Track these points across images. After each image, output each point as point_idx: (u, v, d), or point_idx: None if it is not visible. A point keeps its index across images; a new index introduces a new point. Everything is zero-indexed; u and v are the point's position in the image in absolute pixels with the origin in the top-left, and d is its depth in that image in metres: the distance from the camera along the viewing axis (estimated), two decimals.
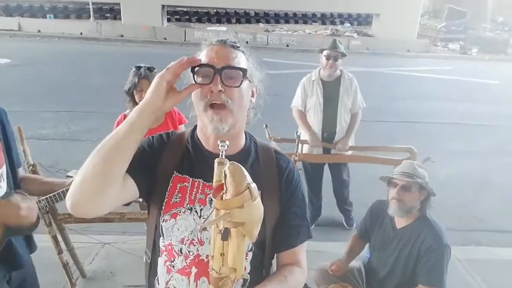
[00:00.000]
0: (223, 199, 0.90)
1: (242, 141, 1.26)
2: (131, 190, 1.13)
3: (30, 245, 1.85)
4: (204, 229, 1.11)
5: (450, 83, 12.64)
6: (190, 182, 1.19)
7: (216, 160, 0.96)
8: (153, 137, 1.25)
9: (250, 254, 1.20)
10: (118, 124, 2.74)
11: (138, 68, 2.67)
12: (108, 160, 1.01)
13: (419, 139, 6.70)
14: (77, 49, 15.12)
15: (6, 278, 1.74)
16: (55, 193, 1.96)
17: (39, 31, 17.86)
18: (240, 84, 1.13)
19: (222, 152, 0.98)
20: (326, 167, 4.00)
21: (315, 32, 23.22)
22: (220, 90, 1.10)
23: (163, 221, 1.17)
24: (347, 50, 3.89)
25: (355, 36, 21.58)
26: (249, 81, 1.19)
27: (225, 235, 0.91)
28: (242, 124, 1.23)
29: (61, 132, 6.34)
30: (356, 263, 2.54)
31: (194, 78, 1.12)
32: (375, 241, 2.38)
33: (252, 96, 1.23)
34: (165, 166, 1.20)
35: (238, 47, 1.19)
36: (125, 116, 2.72)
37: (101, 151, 1.02)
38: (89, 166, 1.01)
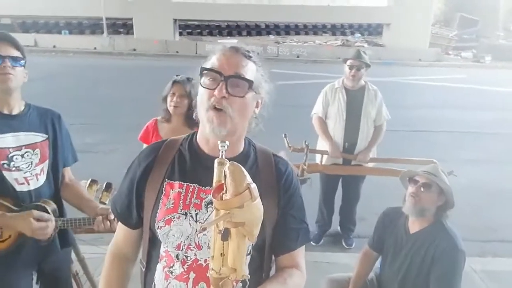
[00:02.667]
0: (223, 199, 0.90)
1: (241, 146, 1.25)
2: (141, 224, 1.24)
3: (65, 239, 1.99)
4: (204, 229, 1.10)
5: (463, 91, 12.52)
6: (184, 187, 1.17)
7: (216, 160, 0.96)
8: (139, 162, 1.26)
9: (249, 257, 1.18)
10: (147, 128, 2.78)
11: (178, 75, 2.70)
12: None
13: (432, 148, 6.62)
14: (91, 63, 15.44)
15: (33, 270, 1.92)
16: (76, 219, 1.92)
17: (54, 46, 18.35)
18: (244, 95, 1.13)
19: (222, 152, 0.97)
20: None
21: (326, 42, 23.31)
22: (224, 97, 1.10)
23: (158, 228, 1.16)
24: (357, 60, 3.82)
25: (366, 46, 21.58)
26: (256, 92, 1.18)
27: (225, 235, 0.91)
28: (242, 133, 1.22)
29: (75, 144, 6.41)
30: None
31: (201, 81, 1.14)
32: (388, 247, 2.31)
33: (257, 107, 1.22)
34: (156, 176, 1.20)
35: (250, 56, 1.18)
36: (156, 122, 2.75)
37: None
38: None
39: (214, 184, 0.94)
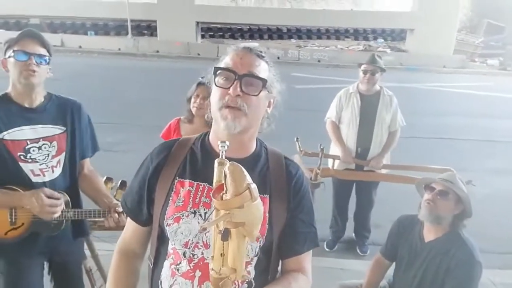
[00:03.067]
0: (223, 199, 0.90)
1: (253, 147, 1.25)
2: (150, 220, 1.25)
3: (79, 229, 2.04)
4: (204, 229, 1.10)
5: (489, 99, 12.20)
6: (195, 186, 1.18)
7: (216, 161, 0.95)
8: (151, 159, 1.27)
9: (256, 259, 1.18)
10: (169, 127, 2.82)
11: (202, 77, 2.73)
12: None
13: (456, 157, 6.46)
14: (115, 64, 15.75)
15: (44, 260, 1.97)
16: (86, 210, 1.95)
17: (80, 47, 18.81)
18: (259, 93, 1.14)
19: (222, 152, 0.97)
20: None
21: (347, 47, 23.13)
22: (238, 95, 1.11)
23: (166, 225, 1.17)
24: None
25: (388, 51, 21.29)
26: (268, 91, 1.19)
27: (225, 235, 0.91)
28: (255, 131, 1.23)
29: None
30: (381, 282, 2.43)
31: (215, 80, 1.15)
32: (402, 256, 2.25)
33: (269, 106, 1.23)
34: (167, 173, 1.21)
35: (263, 56, 1.20)
36: (178, 121, 2.79)
37: None
38: None
39: (214, 184, 0.95)
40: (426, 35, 19.79)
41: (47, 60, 1.79)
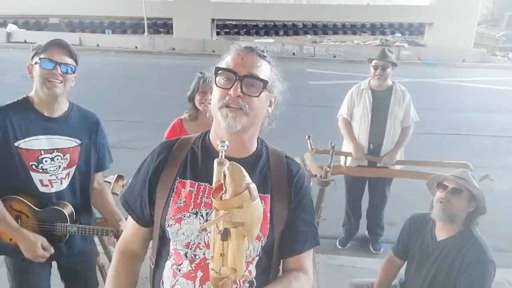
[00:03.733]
0: (223, 199, 0.90)
1: (254, 146, 1.25)
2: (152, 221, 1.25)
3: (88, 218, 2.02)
4: (204, 229, 1.11)
5: (509, 94, 11.85)
6: (196, 186, 1.18)
7: (215, 160, 0.95)
8: (152, 159, 1.26)
9: (257, 258, 1.18)
10: (174, 128, 2.83)
11: (202, 73, 2.71)
12: None
13: (475, 153, 6.34)
14: (131, 62, 15.93)
15: (51, 259, 1.95)
16: (89, 228, 1.94)
17: (97, 45, 19.06)
18: (259, 94, 1.14)
19: (222, 152, 0.97)
20: None
21: (364, 42, 22.81)
22: (239, 96, 1.11)
23: (168, 226, 1.17)
24: (397, 60, 3.65)
25: (406, 46, 20.91)
26: (269, 91, 1.19)
27: (225, 235, 0.91)
28: (256, 131, 1.23)
29: (111, 140, 6.61)
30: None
31: (216, 80, 1.15)
32: (413, 255, 2.21)
33: (270, 106, 1.23)
34: (168, 174, 1.21)
35: (265, 56, 1.20)
36: (181, 121, 2.76)
37: None
38: None
39: (213, 184, 0.95)
40: (446, 29, 19.35)
41: (73, 69, 1.78)
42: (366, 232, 3.92)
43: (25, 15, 23.01)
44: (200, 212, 1.16)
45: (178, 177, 1.20)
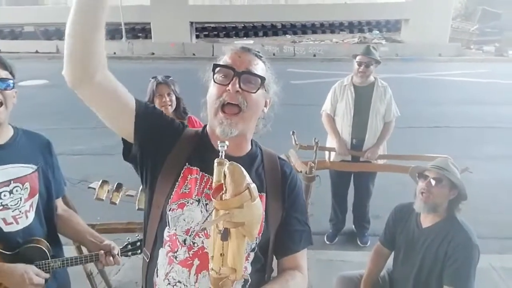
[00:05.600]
0: (223, 199, 0.90)
1: (249, 146, 1.27)
2: (127, 111, 1.15)
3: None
4: (204, 229, 1.11)
5: (485, 86, 12.17)
6: (200, 175, 1.18)
7: (215, 161, 0.95)
8: (173, 119, 1.27)
9: (252, 254, 1.19)
10: None
11: (155, 77, 2.81)
12: (81, 17, 0.98)
13: (454, 144, 6.48)
14: (110, 67, 15.58)
15: None
16: (77, 257, 1.77)
17: None
18: (257, 90, 1.16)
19: (222, 152, 0.97)
20: None
21: (343, 40, 23.08)
22: (237, 91, 1.12)
23: (169, 210, 1.15)
24: None
25: (384, 42, 21.25)
26: (265, 90, 1.21)
27: (225, 235, 0.91)
28: (251, 132, 1.24)
29: (94, 148, 6.56)
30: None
31: (213, 77, 1.16)
32: (400, 244, 2.26)
33: (265, 106, 1.25)
34: (177, 155, 1.20)
35: (261, 56, 1.23)
36: None
37: (71, 15, 0.98)
38: (67, 32, 0.99)
39: (213, 184, 0.95)
40: (421, 25, 19.74)
41: (13, 83, 1.52)
42: (353, 226, 3.98)
43: None
44: (202, 201, 1.16)
45: (186, 163, 1.19)
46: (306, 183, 2.55)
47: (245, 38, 25.05)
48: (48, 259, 1.64)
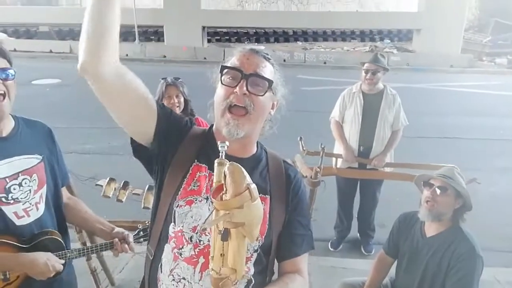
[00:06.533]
0: (223, 199, 0.91)
1: (254, 148, 1.28)
2: (150, 112, 1.16)
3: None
4: (204, 229, 1.12)
5: (497, 98, 12.05)
6: (208, 173, 1.19)
7: (216, 161, 0.96)
8: (182, 116, 1.30)
9: (255, 255, 1.19)
10: None
11: (165, 78, 2.85)
12: (97, 14, 1.01)
13: (463, 156, 6.43)
14: None
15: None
16: (92, 246, 1.80)
17: None
18: (264, 93, 1.16)
19: (222, 152, 0.98)
20: None
21: (354, 49, 23.05)
22: (245, 94, 1.13)
23: (177, 206, 1.16)
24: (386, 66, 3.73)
25: (395, 52, 21.17)
26: (273, 93, 1.22)
27: (225, 235, 0.91)
28: (258, 133, 1.25)
29: (102, 147, 6.64)
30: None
31: (221, 79, 1.17)
32: (403, 252, 2.26)
33: (272, 108, 1.25)
34: (186, 152, 1.21)
35: (269, 58, 1.23)
36: None
37: (86, 12, 1.02)
38: (86, 18, 1.02)
39: (214, 185, 0.95)
40: (433, 35, 19.61)
41: (14, 73, 1.47)
42: (358, 234, 3.96)
43: (14, 24, 22.85)
44: (210, 199, 1.15)
45: (195, 160, 1.20)
46: (311, 188, 2.56)
47: (256, 43, 25.08)
48: (64, 249, 1.65)
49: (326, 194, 3.29)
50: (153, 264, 1.22)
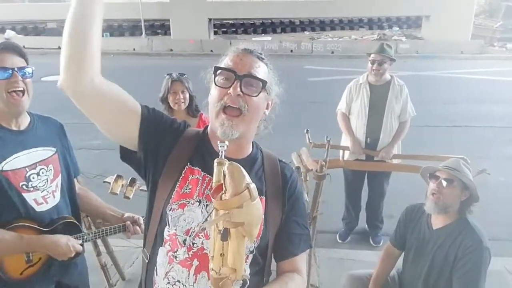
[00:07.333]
0: (222, 199, 0.90)
1: (250, 148, 1.27)
2: (132, 118, 1.16)
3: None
4: (204, 229, 1.12)
5: (508, 84, 11.86)
6: (202, 176, 1.18)
7: (215, 161, 0.95)
8: (174, 119, 1.28)
9: (251, 256, 1.20)
10: None
11: (170, 74, 2.85)
12: (78, 24, 1.04)
13: (473, 144, 6.36)
14: (130, 64, 15.94)
15: (53, 285, 1.83)
16: (107, 229, 1.90)
17: None
18: (258, 94, 1.16)
19: (222, 152, 0.98)
20: None
21: (362, 37, 22.79)
22: (239, 95, 1.13)
23: (170, 210, 1.15)
24: (395, 54, 3.65)
25: (404, 39, 20.90)
26: (267, 93, 1.21)
27: (225, 235, 0.91)
28: (253, 134, 1.24)
29: (111, 143, 6.67)
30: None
31: (215, 80, 1.17)
32: (410, 244, 2.25)
33: (267, 108, 1.25)
34: (178, 155, 1.20)
35: (263, 58, 1.22)
36: None
37: (67, 21, 1.04)
38: (65, 38, 1.04)
39: (213, 185, 0.95)
40: (443, 21, 19.32)
41: (31, 72, 1.61)
42: (366, 225, 3.96)
43: (23, 21, 23.05)
44: (203, 202, 1.16)
45: (188, 163, 1.20)
46: (317, 182, 2.55)
47: (263, 34, 24.99)
48: (81, 232, 1.79)
49: (334, 186, 3.28)
50: (149, 267, 1.23)
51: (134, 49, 19.40)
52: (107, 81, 1.11)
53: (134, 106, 1.18)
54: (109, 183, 2.38)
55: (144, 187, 2.59)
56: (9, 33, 20.74)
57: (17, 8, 22.81)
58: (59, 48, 1.06)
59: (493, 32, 20.68)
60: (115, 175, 2.41)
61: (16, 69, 1.55)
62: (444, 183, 2.04)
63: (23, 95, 1.58)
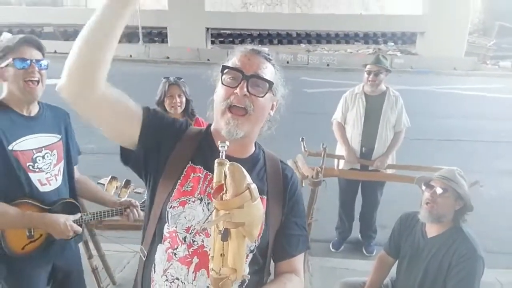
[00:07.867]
0: (223, 199, 0.90)
1: (253, 148, 1.28)
2: (133, 120, 1.16)
3: (79, 235, 1.96)
4: (204, 229, 1.11)
5: (500, 101, 12.03)
6: (204, 173, 1.18)
7: (216, 161, 0.95)
8: (175, 118, 1.29)
9: (251, 255, 1.19)
10: None
11: (167, 78, 2.86)
12: (90, 40, 1.02)
13: (465, 158, 6.41)
14: (126, 70, 15.93)
15: (50, 265, 1.93)
16: (104, 211, 1.99)
17: None
18: (264, 95, 1.16)
19: (222, 152, 0.98)
20: None
21: (357, 51, 23.05)
22: (245, 95, 1.13)
23: (170, 207, 1.15)
24: (390, 68, 3.71)
25: (399, 54, 21.17)
26: (273, 94, 1.22)
27: (225, 235, 0.91)
28: (256, 134, 1.25)
29: (106, 147, 6.65)
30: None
31: (222, 78, 1.17)
32: (404, 252, 2.25)
33: (272, 109, 1.25)
34: (180, 154, 1.20)
35: (270, 59, 1.23)
36: None
37: (82, 33, 1.02)
38: (75, 49, 1.03)
39: (214, 185, 0.95)
40: (437, 38, 19.63)
41: (46, 65, 1.76)
42: (359, 235, 3.96)
43: (20, 24, 23.00)
44: (205, 200, 1.16)
45: (189, 162, 1.20)
46: (312, 188, 2.56)
47: (260, 45, 25.14)
48: (80, 213, 1.90)
49: (328, 194, 3.29)
50: (146, 264, 1.22)
51: (131, 56, 19.41)
52: (109, 85, 1.12)
53: (136, 108, 1.19)
54: (103, 184, 2.37)
55: (139, 189, 2.61)
56: (6, 36, 20.60)
57: (14, 12, 22.77)
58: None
59: (486, 50, 21.06)
60: (110, 177, 2.40)
61: (34, 60, 1.70)
62: (439, 191, 2.05)
63: (37, 84, 1.73)
